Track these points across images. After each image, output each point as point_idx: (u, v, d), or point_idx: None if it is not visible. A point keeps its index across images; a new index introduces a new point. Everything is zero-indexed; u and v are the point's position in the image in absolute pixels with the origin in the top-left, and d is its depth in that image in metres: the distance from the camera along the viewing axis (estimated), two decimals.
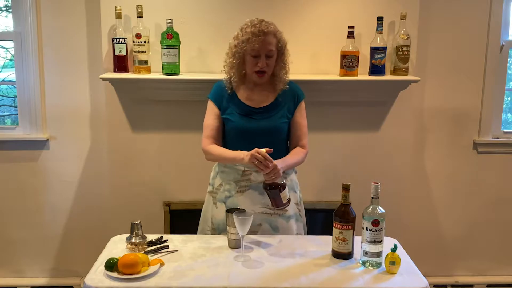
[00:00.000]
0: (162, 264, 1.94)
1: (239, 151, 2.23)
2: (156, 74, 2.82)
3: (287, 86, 2.38)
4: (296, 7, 2.87)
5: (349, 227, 1.99)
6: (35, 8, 2.99)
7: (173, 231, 3.04)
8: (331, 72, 2.92)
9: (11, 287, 3.31)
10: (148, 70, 2.83)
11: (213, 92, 2.41)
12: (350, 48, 2.80)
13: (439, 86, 3.20)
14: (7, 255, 3.30)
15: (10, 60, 3.32)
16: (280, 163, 2.17)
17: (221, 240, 2.18)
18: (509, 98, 3.55)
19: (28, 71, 3.06)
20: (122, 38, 2.77)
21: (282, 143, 2.40)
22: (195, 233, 2.48)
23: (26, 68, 3.06)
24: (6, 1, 3.18)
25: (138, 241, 2.09)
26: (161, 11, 2.82)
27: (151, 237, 2.18)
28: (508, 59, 3.27)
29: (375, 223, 1.93)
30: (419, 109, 3.22)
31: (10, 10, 3.08)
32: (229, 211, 2.12)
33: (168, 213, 3.08)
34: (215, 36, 2.85)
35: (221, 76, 2.45)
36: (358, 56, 2.82)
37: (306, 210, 2.55)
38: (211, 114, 2.37)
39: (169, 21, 2.73)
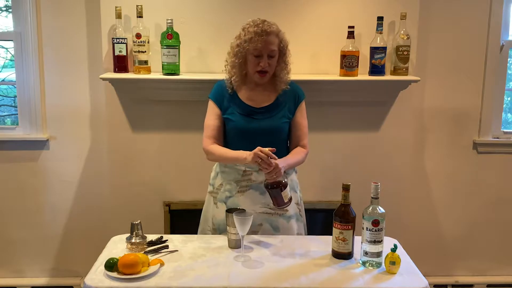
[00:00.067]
0: (162, 264, 1.94)
1: (241, 151, 2.23)
2: (156, 74, 2.82)
3: (288, 87, 2.38)
4: (296, 7, 2.87)
5: (349, 227, 1.99)
6: (35, 8, 2.99)
7: (173, 231, 3.04)
8: (331, 72, 2.92)
9: (11, 287, 3.31)
10: (148, 70, 2.83)
11: (214, 92, 2.41)
12: (350, 48, 2.80)
13: (439, 86, 3.20)
14: (7, 255, 3.30)
15: (10, 60, 3.32)
16: (281, 162, 2.17)
17: (221, 240, 2.18)
18: (509, 98, 3.55)
19: (28, 71, 3.06)
20: (122, 38, 2.77)
21: (283, 143, 2.40)
22: (195, 233, 2.48)
23: (26, 68, 3.06)
24: (6, 1, 3.18)
25: (138, 241, 2.09)
26: (161, 11, 2.82)
27: (151, 237, 2.18)
28: (508, 59, 3.27)
29: (375, 223, 1.93)
30: (419, 109, 3.22)
31: (10, 10, 3.08)
32: (229, 211, 2.12)
33: (168, 213, 3.08)
34: (215, 36, 2.85)
35: (221, 76, 2.45)
36: (358, 56, 2.82)
37: (306, 210, 2.55)
38: (212, 114, 2.37)
39: (169, 21, 2.73)
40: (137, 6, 2.73)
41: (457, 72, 3.19)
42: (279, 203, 2.18)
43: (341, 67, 2.83)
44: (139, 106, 2.97)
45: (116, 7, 2.74)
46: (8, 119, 3.47)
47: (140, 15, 2.75)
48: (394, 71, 2.90)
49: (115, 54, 2.79)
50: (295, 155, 2.35)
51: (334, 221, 2.00)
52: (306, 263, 2.00)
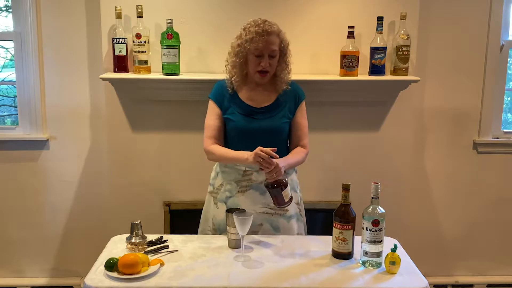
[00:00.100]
0: (162, 264, 1.94)
1: (242, 151, 2.23)
2: (156, 74, 2.82)
3: (289, 87, 2.38)
4: (296, 7, 2.87)
5: (349, 227, 1.99)
6: (35, 8, 2.99)
7: (173, 231, 3.04)
8: (331, 72, 2.92)
9: (11, 287, 3.31)
10: (148, 70, 2.82)
11: (214, 92, 2.41)
12: (350, 48, 2.80)
13: (439, 86, 3.20)
14: (7, 255, 3.30)
15: (10, 60, 3.32)
16: (282, 162, 2.17)
17: (221, 240, 2.18)
18: (509, 98, 3.55)
19: (28, 71, 3.06)
20: (122, 38, 2.77)
21: (283, 143, 2.40)
22: (195, 233, 2.48)
23: (26, 68, 3.06)
24: (6, 1, 3.18)
25: (138, 241, 2.09)
26: (161, 11, 2.82)
27: (151, 237, 2.18)
28: (508, 59, 3.27)
29: (375, 223, 1.93)
30: (419, 109, 3.22)
31: (10, 10, 3.08)
32: (229, 211, 2.13)
33: (168, 213, 3.08)
34: (215, 36, 2.85)
35: (221, 76, 2.45)
36: (358, 56, 2.82)
37: (306, 210, 2.55)
38: (212, 114, 2.37)
39: (169, 21, 2.73)
40: (137, 6, 2.73)
41: (457, 72, 3.19)
42: (280, 202, 2.18)
43: (341, 67, 2.83)
44: (139, 106, 2.97)
45: (116, 7, 2.74)
46: (8, 119, 3.47)
47: (140, 15, 2.75)
48: (394, 71, 2.90)
49: (115, 54, 2.79)
50: (295, 155, 2.35)
51: (334, 221, 2.00)
52: (306, 263, 2.00)
